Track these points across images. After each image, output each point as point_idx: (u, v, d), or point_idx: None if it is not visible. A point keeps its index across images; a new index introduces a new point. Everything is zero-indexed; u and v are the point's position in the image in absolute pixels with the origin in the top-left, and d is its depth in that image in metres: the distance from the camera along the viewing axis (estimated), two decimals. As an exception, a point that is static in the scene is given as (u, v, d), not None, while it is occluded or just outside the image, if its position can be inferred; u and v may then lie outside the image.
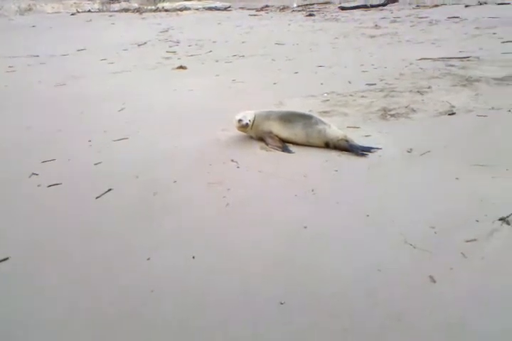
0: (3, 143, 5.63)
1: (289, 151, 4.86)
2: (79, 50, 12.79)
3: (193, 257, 3.09)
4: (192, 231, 3.43)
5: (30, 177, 4.57)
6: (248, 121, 5.01)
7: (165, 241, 3.33)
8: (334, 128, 4.91)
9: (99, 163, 4.80)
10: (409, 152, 4.64)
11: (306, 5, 27.06)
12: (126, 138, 5.47)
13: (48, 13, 27.15)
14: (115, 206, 3.88)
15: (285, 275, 2.87)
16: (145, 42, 13.67)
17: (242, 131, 5.18)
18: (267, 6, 27.15)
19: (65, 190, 4.28)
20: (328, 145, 4.84)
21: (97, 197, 4.05)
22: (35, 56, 12.07)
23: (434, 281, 2.71)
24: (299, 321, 2.48)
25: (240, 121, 5.01)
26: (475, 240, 3.08)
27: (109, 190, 4.16)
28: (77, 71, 9.77)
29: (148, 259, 3.11)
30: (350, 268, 2.90)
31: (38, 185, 4.37)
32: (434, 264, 2.86)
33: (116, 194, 4.10)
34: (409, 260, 2.92)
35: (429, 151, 4.60)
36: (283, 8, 25.73)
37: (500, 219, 3.30)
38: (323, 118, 5.09)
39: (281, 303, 2.60)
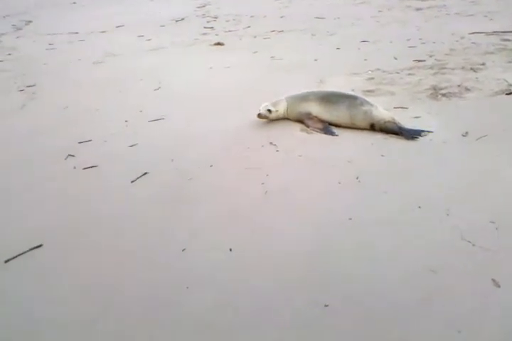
0: (41, 123, 5.59)
1: (331, 133, 4.59)
2: (117, 27, 12.65)
3: (230, 249, 2.93)
4: (229, 220, 3.26)
5: (66, 158, 4.50)
6: (265, 111, 4.83)
7: (200, 230, 3.17)
8: (381, 110, 4.59)
9: (135, 144, 4.68)
10: (464, 136, 4.27)
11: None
12: (162, 119, 5.31)
13: (88, -12, 27.06)
14: (150, 191, 3.75)
15: (329, 274, 2.65)
16: (182, 18, 13.38)
17: (273, 118, 4.93)
18: (306, -21, 26.16)
19: (100, 172, 4.19)
20: (374, 127, 4.54)
21: (132, 181, 3.93)
22: (74, 33, 12.01)
23: (498, 286, 2.43)
24: (344, 327, 2.28)
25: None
26: (543, 238, 2.77)
27: (145, 173, 4.03)
28: (115, 48, 9.64)
29: (184, 250, 2.96)
30: (401, 268, 2.65)
31: (74, 167, 4.30)
32: (497, 265, 2.58)
33: (151, 178, 3.97)
34: (468, 260, 2.65)
35: (486, 135, 4.22)
36: (323, -19, 24.73)
37: None
38: (368, 99, 4.77)
39: (326, 306, 2.40)
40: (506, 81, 5.67)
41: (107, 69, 8.00)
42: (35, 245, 3.14)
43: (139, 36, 10.96)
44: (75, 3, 19.38)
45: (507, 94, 5.27)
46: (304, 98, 4.89)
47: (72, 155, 4.55)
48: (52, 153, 4.65)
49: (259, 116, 4.85)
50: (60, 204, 3.71)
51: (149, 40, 10.46)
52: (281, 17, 12.41)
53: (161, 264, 2.87)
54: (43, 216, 3.55)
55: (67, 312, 2.57)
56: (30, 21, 14.20)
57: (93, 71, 7.98)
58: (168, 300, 2.57)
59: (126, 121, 5.36)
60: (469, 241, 2.80)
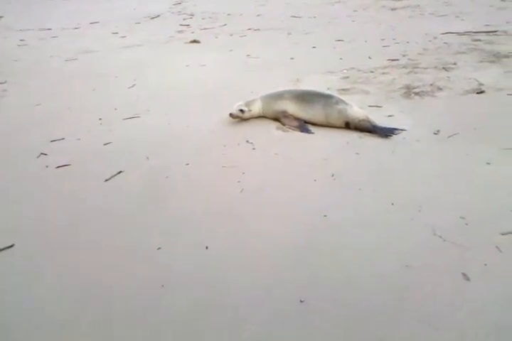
0: (11, 120, 5.48)
1: (307, 131, 4.62)
2: (91, 23, 12.46)
3: (206, 247, 2.92)
4: (205, 218, 3.25)
5: (38, 157, 4.42)
6: (237, 111, 4.86)
7: (176, 229, 3.16)
8: (355, 108, 4.64)
9: (110, 142, 4.63)
10: (436, 134, 4.36)
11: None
12: (137, 117, 5.27)
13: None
14: (125, 190, 3.71)
15: (305, 269, 2.67)
16: (158, 15, 13.27)
17: (246, 118, 4.95)
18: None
19: (73, 171, 4.13)
20: (349, 125, 4.59)
21: (106, 180, 3.88)
22: (47, 29, 11.78)
23: (468, 279, 2.49)
24: (320, 323, 2.29)
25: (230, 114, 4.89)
26: (511, 233, 2.84)
27: (119, 172, 3.99)
28: (88, 45, 9.50)
29: (159, 249, 2.94)
30: (376, 263, 2.68)
31: (46, 166, 4.23)
32: (467, 260, 2.64)
33: (126, 177, 3.92)
34: (439, 255, 2.70)
35: (457, 133, 4.31)
36: (300, -21, 24.80)
37: (538, 209, 3.05)
38: (343, 97, 4.83)
39: (301, 301, 2.42)
40: (477, 80, 5.80)
41: (80, 67, 7.88)
42: (7, 245, 3.07)
43: (114, 33, 10.82)
44: (47, -2, 18.96)
45: (477, 93, 5.39)
46: (279, 96, 4.92)
47: (45, 154, 4.47)
48: (24, 151, 4.56)
49: (231, 115, 4.85)
50: (32, 203, 3.64)
51: (124, 37, 10.35)
52: (258, 15, 12.42)
53: (137, 263, 2.84)
54: (15, 216, 3.47)
55: (43, 312, 2.53)
56: (2, 17, 13.87)
57: (66, 68, 7.85)
58: (144, 300, 2.55)
59: (100, 118, 5.29)
60: (440, 237, 2.85)
